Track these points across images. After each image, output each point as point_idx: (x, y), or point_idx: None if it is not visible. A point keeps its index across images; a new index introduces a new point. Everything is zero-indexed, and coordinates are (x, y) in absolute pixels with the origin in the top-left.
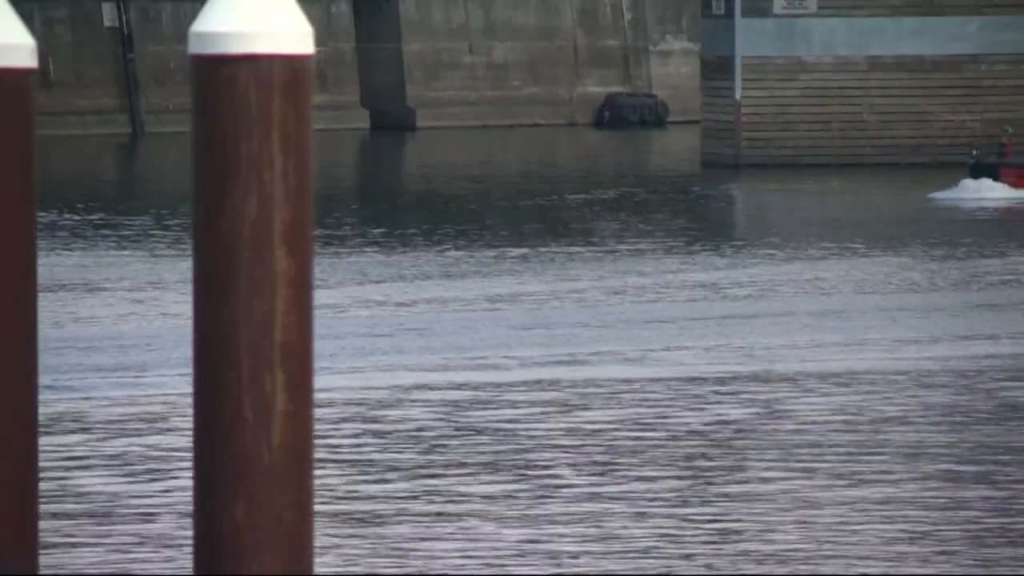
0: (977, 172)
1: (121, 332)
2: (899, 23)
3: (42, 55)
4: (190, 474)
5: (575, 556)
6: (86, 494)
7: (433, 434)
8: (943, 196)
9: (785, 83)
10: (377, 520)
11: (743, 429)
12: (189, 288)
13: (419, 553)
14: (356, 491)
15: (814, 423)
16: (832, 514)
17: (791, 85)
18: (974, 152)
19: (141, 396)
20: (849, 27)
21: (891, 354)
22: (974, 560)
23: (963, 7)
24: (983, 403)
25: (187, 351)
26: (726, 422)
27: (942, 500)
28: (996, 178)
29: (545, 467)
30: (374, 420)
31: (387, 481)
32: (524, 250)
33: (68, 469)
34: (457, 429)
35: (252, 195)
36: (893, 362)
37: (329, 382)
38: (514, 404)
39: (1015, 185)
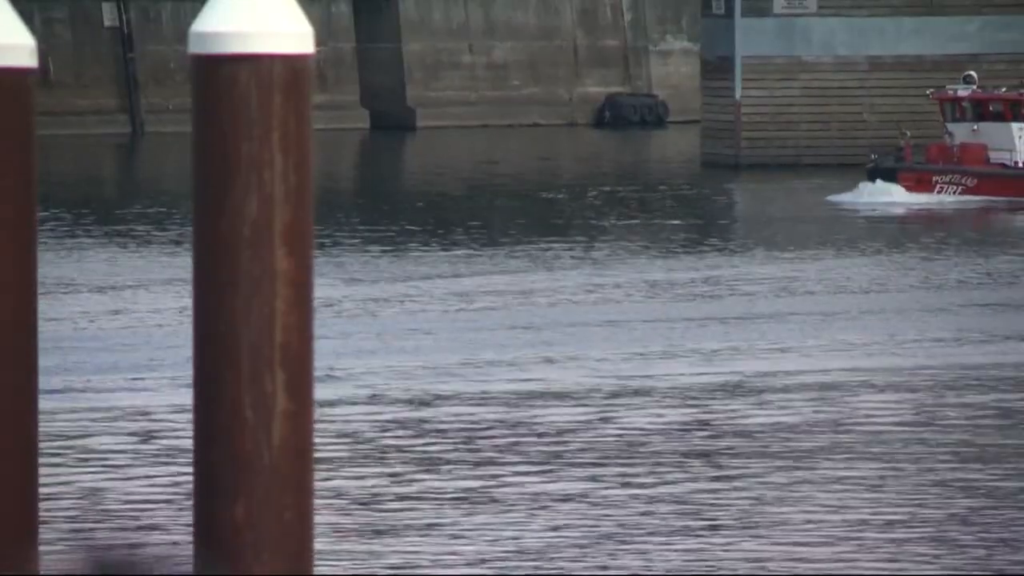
0: (875, 176)
1: (121, 332)
2: (899, 23)
3: (42, 55)
4: (190, 474)
5: (573, 554)
6: (87, 493)
7: (429, 433)
8: (840, 199)
9: (785, 83)
10: (374, 518)
11: (742, 427)
12: (189, 288)
13: (414, 548)
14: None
15: (814, 422)
16: (835, 513)
17: (791, 85)
18: (873, 156)
19: (141, 395)
20: (849, 27)
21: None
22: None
23: (963, 7)
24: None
25: (187, 351)
26: (724, 421)
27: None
28: (894, 182)
29: (543, 467)
30: (373, 419)
31: (385, 480)
32: (523, 249)
33: (69, 468)
34: (451, 428)
35: (252, 195)
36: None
37: (330, 382)
38: (511, 404)
39: (912, 189)
